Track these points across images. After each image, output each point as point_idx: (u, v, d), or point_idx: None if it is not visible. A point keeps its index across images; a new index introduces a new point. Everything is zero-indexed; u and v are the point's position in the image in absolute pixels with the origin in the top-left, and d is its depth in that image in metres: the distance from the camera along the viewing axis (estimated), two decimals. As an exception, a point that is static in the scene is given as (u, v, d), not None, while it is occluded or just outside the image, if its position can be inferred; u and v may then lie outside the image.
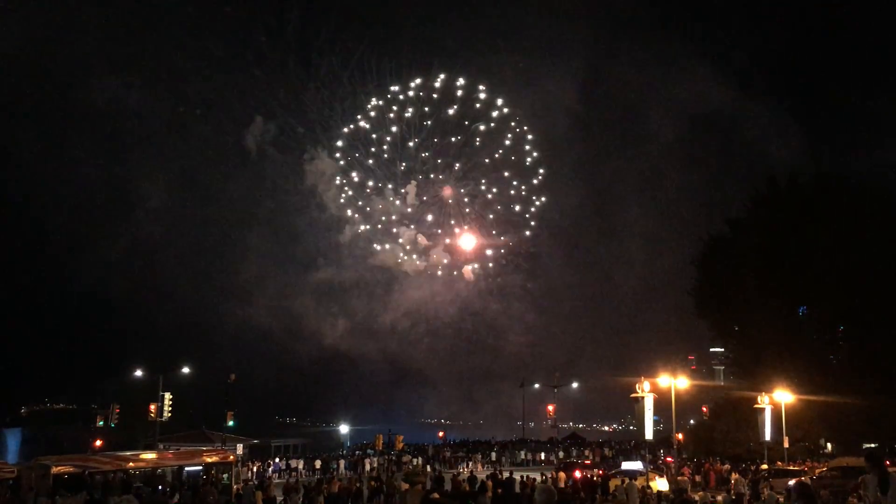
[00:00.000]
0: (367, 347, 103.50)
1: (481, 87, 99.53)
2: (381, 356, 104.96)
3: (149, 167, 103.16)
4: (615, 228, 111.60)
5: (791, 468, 39.25)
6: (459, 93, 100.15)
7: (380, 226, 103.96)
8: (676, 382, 37.58)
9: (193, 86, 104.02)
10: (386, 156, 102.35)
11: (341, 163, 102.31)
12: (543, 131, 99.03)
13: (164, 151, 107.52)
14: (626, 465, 42.41)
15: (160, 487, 30.87)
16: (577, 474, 38.07)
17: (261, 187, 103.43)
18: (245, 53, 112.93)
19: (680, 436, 56.69)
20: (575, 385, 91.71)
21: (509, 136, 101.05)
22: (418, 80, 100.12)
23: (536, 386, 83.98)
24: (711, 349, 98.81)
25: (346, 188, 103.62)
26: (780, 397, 43.44)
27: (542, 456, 63.08)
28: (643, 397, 30.52)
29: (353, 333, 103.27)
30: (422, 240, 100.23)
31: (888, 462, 33.97)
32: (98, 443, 49.29)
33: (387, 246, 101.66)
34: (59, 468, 26.39)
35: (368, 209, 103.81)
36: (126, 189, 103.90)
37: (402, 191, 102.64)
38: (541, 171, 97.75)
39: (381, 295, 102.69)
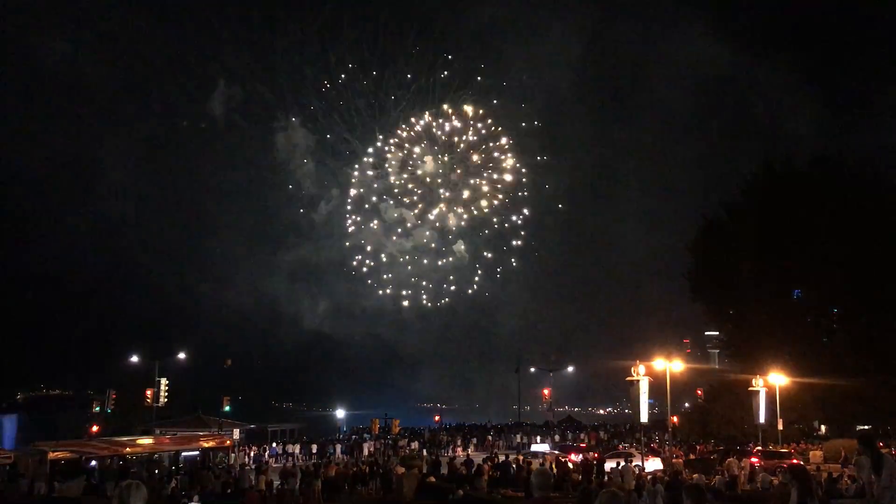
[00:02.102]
0: (354, 331, 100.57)
1: (481, 66, 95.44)
2: (370, 340, 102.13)
3: (110, 138, 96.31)
4: (613, 207, 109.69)
5: (781, 450, 39.62)
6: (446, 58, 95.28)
7: (354, 202, 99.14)
8: (671, 366, 37.70)
9: (150, 46, 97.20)
10: (364, 126, 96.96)
11: (314, 136, 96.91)
12: (544, 94, 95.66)
13: (124, 121, 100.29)
14: (535, 447, 44.92)
15: (157, 472, 30.96)
16: (573, 457, 38.46)
17: (230, 161, 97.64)
18: (204, 8, 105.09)
19: (675, 419, 56.98)
20: (570, 369, 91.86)
21: (502, 102, 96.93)
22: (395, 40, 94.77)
23: (532, 369, 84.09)
24: (706, 332, 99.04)
25: (321, 160, 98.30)
26: (774, 380, 43.67)
27: (538, 439, 63.38)
28: (638, 380, 30.70)
29: (339, 316, 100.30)
30: (407, 216, 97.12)
31: (881, 444, 34.28)
32: (95, 428, 49.31)
33: (373, 224, 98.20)
34: (56, 454, 26.47)
35: (346, 184, 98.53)
36: (87, 162, 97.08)
37: (385, 165, 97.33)
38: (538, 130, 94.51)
39: (366, 275, 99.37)
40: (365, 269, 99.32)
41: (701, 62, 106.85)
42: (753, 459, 35.62)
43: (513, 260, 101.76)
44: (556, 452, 43.10)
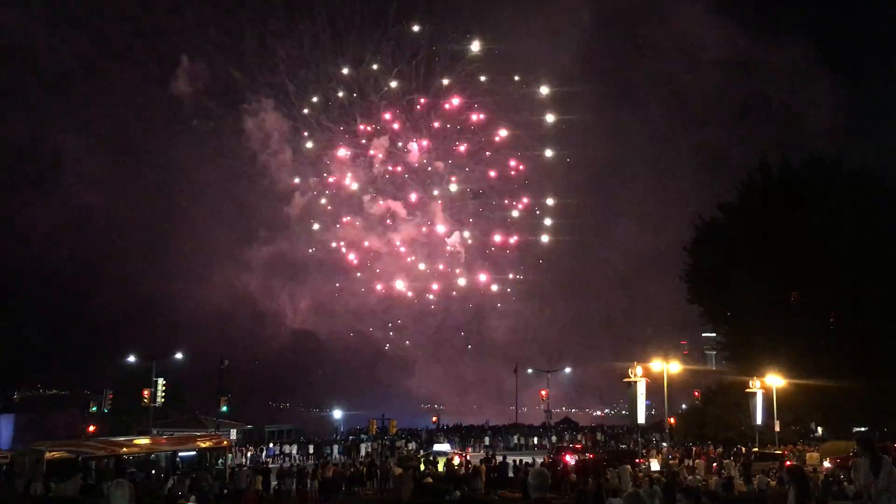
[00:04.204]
0: (340, 330, 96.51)
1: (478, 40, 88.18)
2: (358, 339, 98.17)
3: (70, 124, 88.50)
4: (611, 204, 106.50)
5: (776, 452, 39.68)
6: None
7: (334, 193, 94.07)
8: (669, 367, 37.84)
9: (108, 20, 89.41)
10: (342, 109, 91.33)
11: (289, 121, 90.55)
12: (547, 73, 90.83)
13: (84, 103, 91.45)
14: (437, 447, 46.60)
15: (153, 472, 30.92)
16: (568, 458, 38.51)
17: (201, 148, 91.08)
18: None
19: (672, 420, 57.06)
20: (568, 370, 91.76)
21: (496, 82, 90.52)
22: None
23: (530, 371, 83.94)
24: (704, 334, 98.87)
25: (297, 147, 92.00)
26: (771, 381, 43.74)
27: (535, 440, 63.45)
28: (636, 382, 30.79)
29: (323, 314, 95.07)
30: (397, 210, 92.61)
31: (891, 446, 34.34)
32: (92, 428, 49.28)
33: (357, 223, 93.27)
34: (53, 454, 26.35)
35: (325, 173, 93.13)
36: (48, 151, 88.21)
37: (370, 151, 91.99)
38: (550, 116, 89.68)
39: (351, 271, 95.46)
40: (349, 265, 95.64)
41: (710, 41, 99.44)
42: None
43: (508, 249, 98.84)
44: (458, 451, 46.65)
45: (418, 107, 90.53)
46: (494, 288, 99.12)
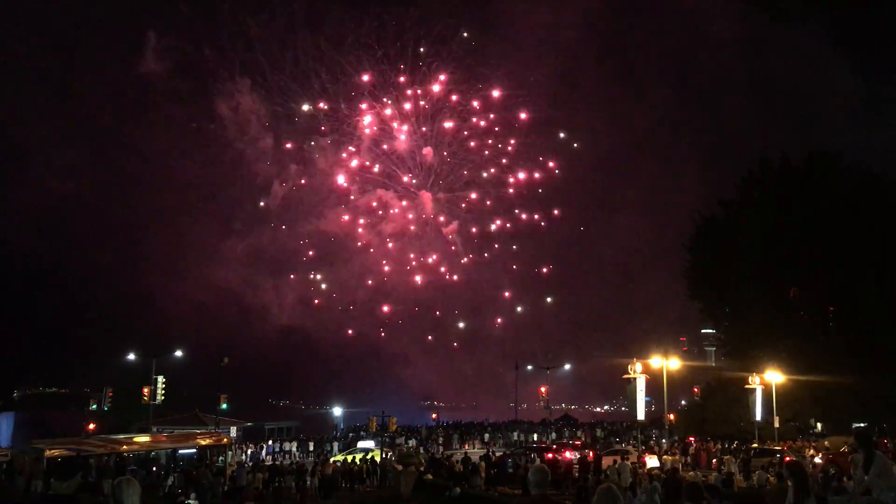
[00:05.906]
0: (331, 326, 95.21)
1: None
2: (351, 335, 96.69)
3: (38, 109, 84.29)
4: (611, 199, 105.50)
5: (775, 448, 39.72)
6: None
7: (318, 181, 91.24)
8: (668, 363, 37.91)
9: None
10: (324, 92, 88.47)
11: (266, 104, 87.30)
12: (552, 49, 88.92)
13: (51, 90, 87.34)
14: (361, 444, 49.22)
15: (154, 470, 30.98)
16: (568, 455, 38.52)
17: (176, 134, 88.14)
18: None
19: (672, 416, 57.12)
20: (567, 366, 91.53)
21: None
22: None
23: (529, 367, 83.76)
24: (703, 330, 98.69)
25: (277, 133, 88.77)
26: (770, 377, 43.81)
27: (535, 437, 63.46)
28: (635, 378, 30.86)
29: (311, 310, 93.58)
30: (387, 199, 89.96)
31: (885, 440, 34.38)
32: (91, 426, 49.26)
33: (347, 212, 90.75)
34: (53, 452, 26.35)
35: (307, 161, 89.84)
36: (16, 140, 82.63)
37: (354, 139, 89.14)
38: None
39: (340, 264, 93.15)
40: (339, 260, 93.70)
41: (720, 20, 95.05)
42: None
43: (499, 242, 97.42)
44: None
45: (402, 79, 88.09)
46: (492, 283, 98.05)
